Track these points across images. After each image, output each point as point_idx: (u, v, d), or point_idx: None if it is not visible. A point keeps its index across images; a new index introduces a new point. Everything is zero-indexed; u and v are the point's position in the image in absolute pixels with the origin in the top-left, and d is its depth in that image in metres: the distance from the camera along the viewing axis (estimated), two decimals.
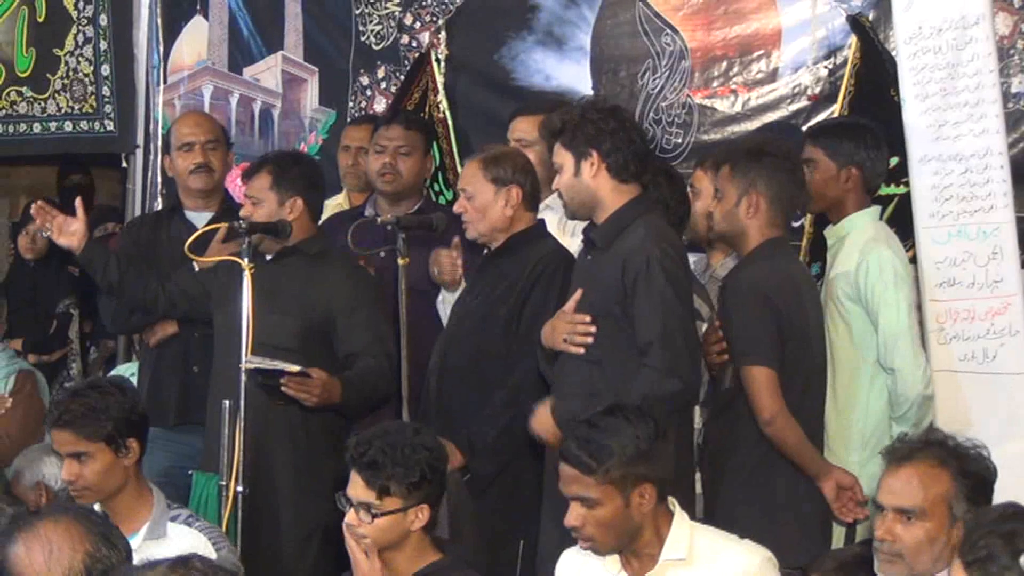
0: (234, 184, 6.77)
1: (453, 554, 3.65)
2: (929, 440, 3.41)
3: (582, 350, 4.15)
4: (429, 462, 3.54)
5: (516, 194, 4.55)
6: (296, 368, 4.43)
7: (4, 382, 5.93)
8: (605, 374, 4.11)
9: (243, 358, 4.40)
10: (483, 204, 4.56)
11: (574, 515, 3.44)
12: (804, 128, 5.28)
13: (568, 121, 4.24)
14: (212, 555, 3.76)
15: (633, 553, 3.51)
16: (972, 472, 3.31)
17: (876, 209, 4.64)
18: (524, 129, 5.06)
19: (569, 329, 4.17)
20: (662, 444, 3.47)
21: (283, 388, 4.44)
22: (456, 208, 4.66)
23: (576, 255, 4.48)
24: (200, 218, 5.27)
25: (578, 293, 4.21)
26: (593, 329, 4.13)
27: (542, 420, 4.17)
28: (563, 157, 4.24)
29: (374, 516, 3.49)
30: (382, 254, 5.06)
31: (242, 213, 4.79)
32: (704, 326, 4.45)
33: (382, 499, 3.49)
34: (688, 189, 4.76)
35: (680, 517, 3.53)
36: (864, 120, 4.77)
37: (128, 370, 5.87)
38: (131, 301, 5.07)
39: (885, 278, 4.40)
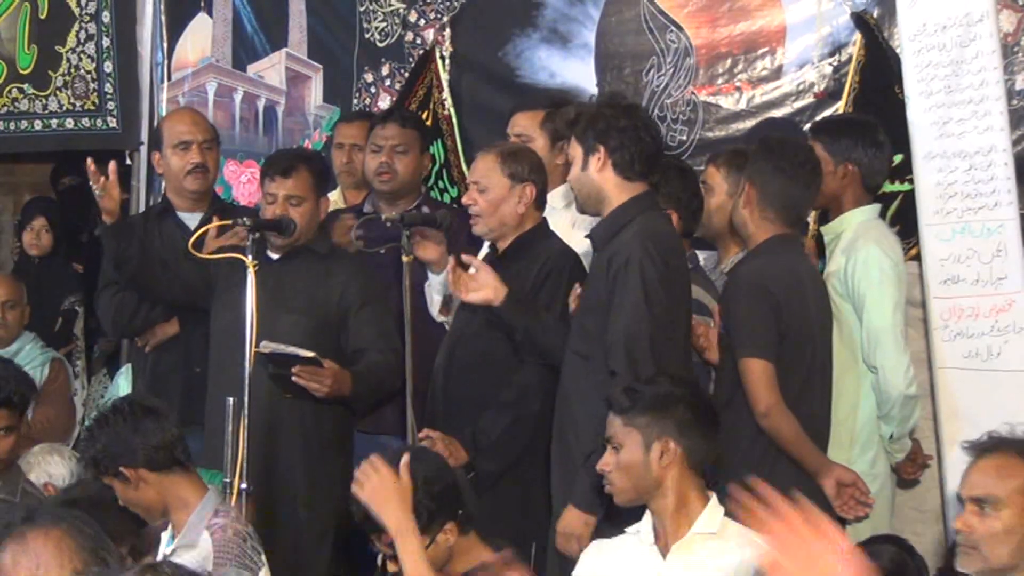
0: (238, 181, 6.79)
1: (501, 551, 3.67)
2: (1015, 435, 3.40)
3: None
4: (423, 496, 3.54)
5: (530, 192, 4.54)
6: (310, 353, 4.43)
7: (41, 369, 5.91)
8: (590, 368, 4.09)
9: (247, 356, 4.39)
10: (497, 199, 4.54)
11: (604, 459, 3.63)
12: (807, 125, 5.29)
13: (583, 114, 4.23)
14: (207, 567, 3.74)
15: (661, 527, 3.57)
16: None
17: (875, 207, 4.64)
18: (523, 125, 5.04)
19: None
20: (693, 415, 3.57)
21: (294, 378, 4.45)
22: (465, 200, 4.63)
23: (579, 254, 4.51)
24: (192, 219, 5.20)
25: (577, 289, 4.24)
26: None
27: (565, 523, 4.06)
28: (575, 150, 4.23)
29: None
30: (382, 251, 5.06)
31: (274, 212, 4.71)
32: (711, 322, 4.45)
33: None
34: (700, 185, 4.74)
35: (715, 503, 3.59)
36: (868, 118, 4.77)
37: (130, 373, 5.84)
38: (135, 283, 5.02)
39: (871, 276, 4.41)
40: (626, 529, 3.69)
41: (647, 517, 3.64)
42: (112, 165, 4.80)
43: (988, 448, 3.35)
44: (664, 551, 3.56)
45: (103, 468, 3.82)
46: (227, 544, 3.84)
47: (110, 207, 4.79)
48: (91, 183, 4.79)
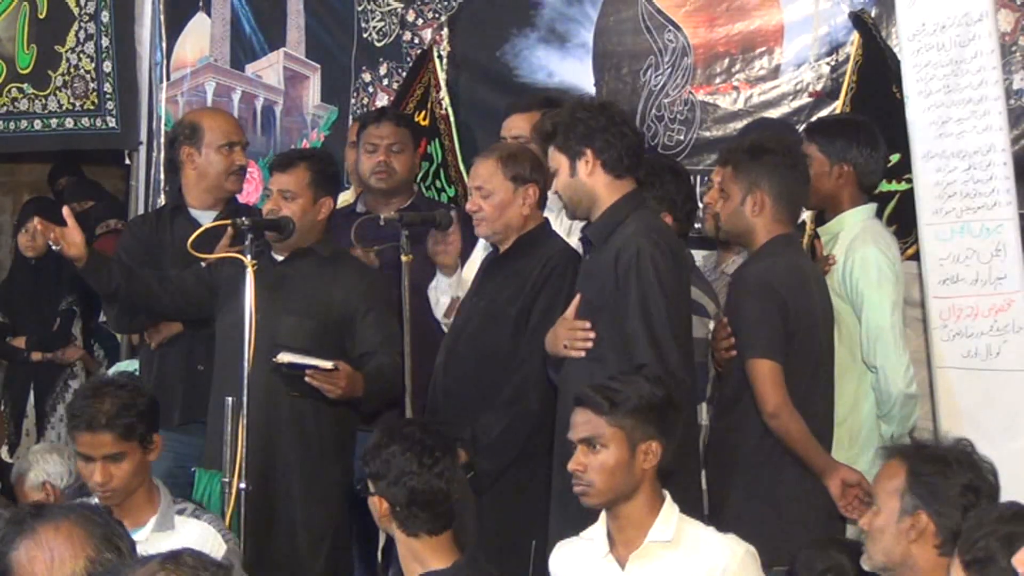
0: None
1: (470, 555, 3.66)
2: (911, 439, 3.49)
3: (583, 354, 4.16)
4: None
5: (533, 193, 4.55)
6: (330, 364, 4.40)
7: None
8: (606, 369, 4.07)
9: (246, 356, 4.39)
10: (502, 202, 4.53)
11: (577, 460, 3.55)
12: (804, 125, 5.29)
13: (559, 123, 4.25)
14: (223, 546, 3.82)
15: (619, 532, 3.55)
16: (929, 472, 3.27)
17: (871, 207, 4.64)
18: (519, 127, 5.04)
19: (569, 335, 4.19)
20: (673, 416, 3.57)
21: (307, 379, 4.41)
22: (469, 207, 4.61)
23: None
24: (206, 216, 5.16)
25: (577, 298, 4.22)
26: (592, 335, 4.15)
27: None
28: (558, 159, 4.25)
29: None
30: (376, 250, 5.06)
31: (267, 207, 4.73)
32: (711, 323, 4.45)
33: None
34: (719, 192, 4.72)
35: (670, 504, 3.58)
36: (862, 118, 4.77)
37: (129, 367, 5.86)
38: (133, 306, 5.00)
39: (869, 276, 4.41)
40: (581, 533, 3.67)
41: (601, 522, 3.62)
42: (66, 210, 4.74)
43: (892, 452, 3.41)
44: (621, 561, 3.54)
45: (145, 426, 3.82)
46: (221, 523, 3.96)
47: (76, 253, 4.69)
48: (51, 243, 4.69)
